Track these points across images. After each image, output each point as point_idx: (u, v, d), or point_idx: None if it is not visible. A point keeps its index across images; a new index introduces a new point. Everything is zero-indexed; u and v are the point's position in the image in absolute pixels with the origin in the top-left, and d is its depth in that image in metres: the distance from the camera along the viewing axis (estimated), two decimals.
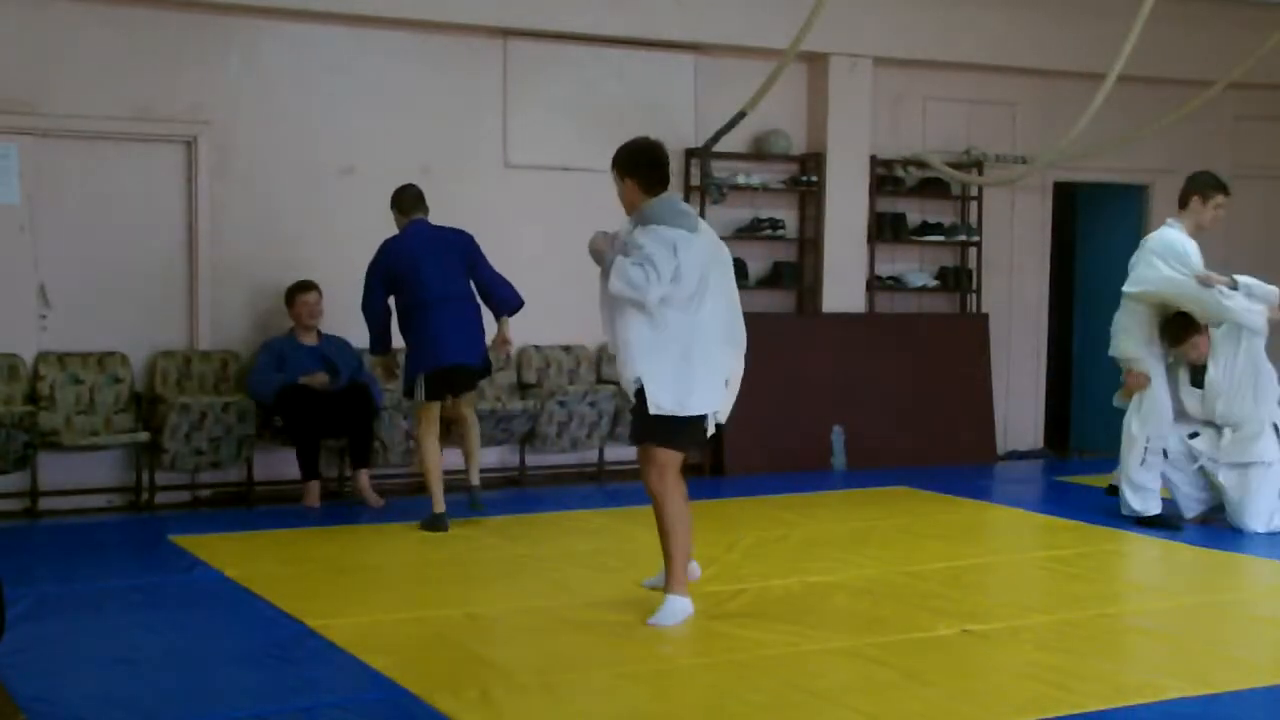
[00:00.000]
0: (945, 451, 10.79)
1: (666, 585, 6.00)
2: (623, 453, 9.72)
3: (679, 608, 5.93)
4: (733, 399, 6.11)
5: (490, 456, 9.71)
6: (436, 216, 9.61)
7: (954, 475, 10.12)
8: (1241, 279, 8.15)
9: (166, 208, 8.94)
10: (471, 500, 8.26)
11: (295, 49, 9.23)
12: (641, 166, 6.00)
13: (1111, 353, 8.43)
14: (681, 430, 5.94)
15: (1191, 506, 8.37)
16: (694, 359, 5.86)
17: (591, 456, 10.01)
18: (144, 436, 8.56)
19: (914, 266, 11.21)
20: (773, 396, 10.40)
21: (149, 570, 7.09)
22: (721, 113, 9.85)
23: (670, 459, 5.97)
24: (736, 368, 6.12)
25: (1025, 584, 7.09)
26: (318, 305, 8.94)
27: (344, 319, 9.12)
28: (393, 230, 8.26)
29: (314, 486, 8.69)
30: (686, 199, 10.08)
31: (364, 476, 8.78)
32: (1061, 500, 9.25)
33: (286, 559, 7.21)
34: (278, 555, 7.28)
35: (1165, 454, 8.23)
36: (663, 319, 5.83)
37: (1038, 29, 11.06)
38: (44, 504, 8.49)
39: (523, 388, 9.72)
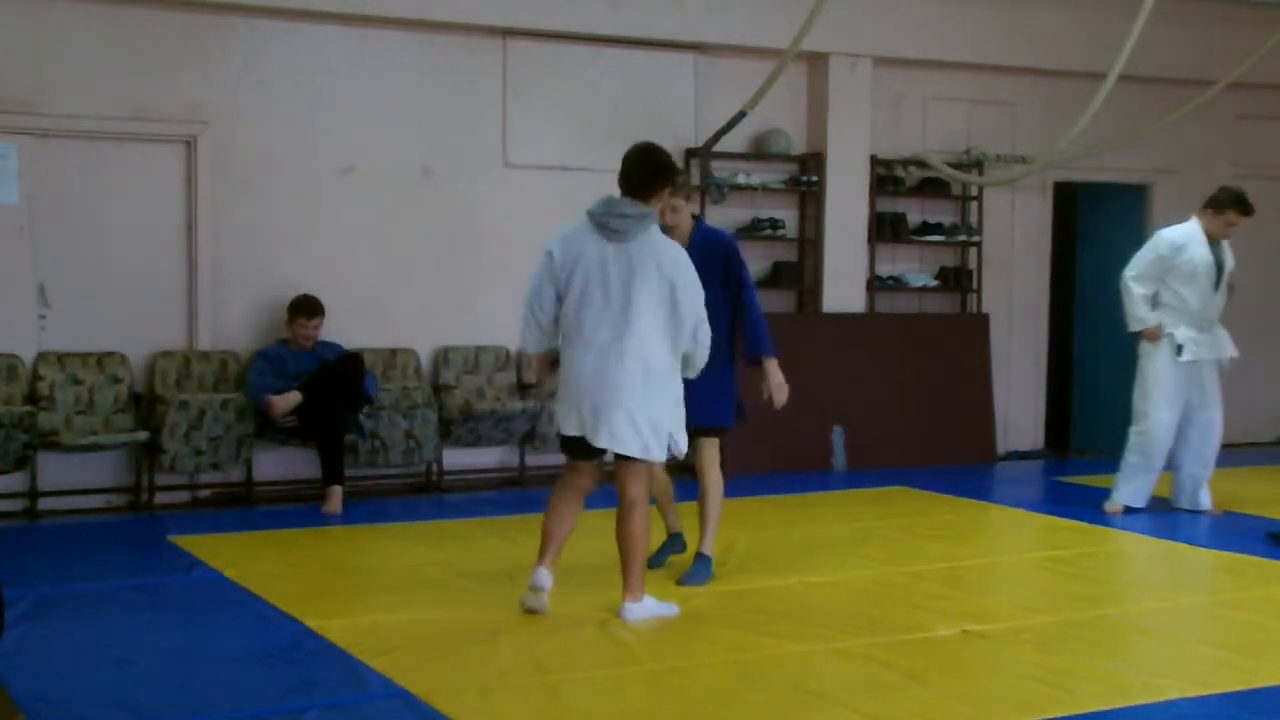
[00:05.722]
0: (945, 451, 10.79)
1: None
2: None
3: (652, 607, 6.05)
4: (630, 431, 5.99)
5: (490, 456, 9.71)
6: (436, 216, 9.63)
7: (954, 475, 10.12)
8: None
9: (166, 208, 8.93)
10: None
11: (295, 49, 9.22)
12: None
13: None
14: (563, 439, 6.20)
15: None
16: (570, 371, 5.93)
17: None
18: (144, 436, 8.55)
19: (914, 266, 11.21)
20: None
21: (149, 570, 7.09)
22: (721, 113, 9.85)
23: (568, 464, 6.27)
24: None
25: (1025, 584, 7.09)
26: (317, 331, 8.85)
27: (342, 320, 9.13)
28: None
29: (336, 491, 8.53)
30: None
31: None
32: (1061, 500, 9.25)
33: (286, 559, 7.21)
34: (278, 555, 7.28)
35: None
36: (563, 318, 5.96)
37: (1038, 29, 11.05)
38: (44, 504, 8.48)
39: (522, 388, 9.71)
